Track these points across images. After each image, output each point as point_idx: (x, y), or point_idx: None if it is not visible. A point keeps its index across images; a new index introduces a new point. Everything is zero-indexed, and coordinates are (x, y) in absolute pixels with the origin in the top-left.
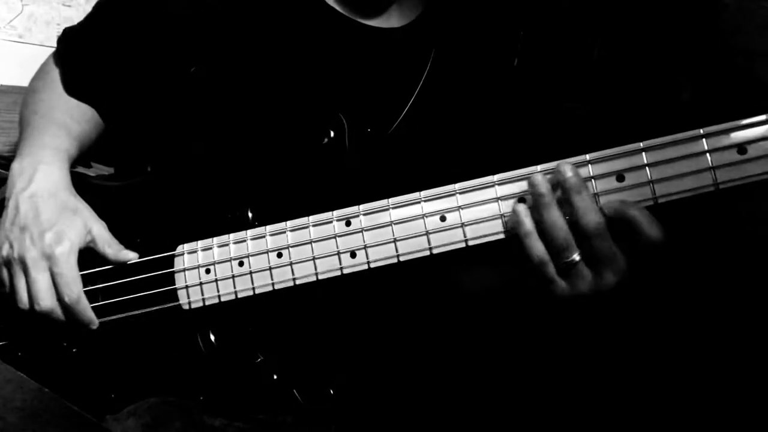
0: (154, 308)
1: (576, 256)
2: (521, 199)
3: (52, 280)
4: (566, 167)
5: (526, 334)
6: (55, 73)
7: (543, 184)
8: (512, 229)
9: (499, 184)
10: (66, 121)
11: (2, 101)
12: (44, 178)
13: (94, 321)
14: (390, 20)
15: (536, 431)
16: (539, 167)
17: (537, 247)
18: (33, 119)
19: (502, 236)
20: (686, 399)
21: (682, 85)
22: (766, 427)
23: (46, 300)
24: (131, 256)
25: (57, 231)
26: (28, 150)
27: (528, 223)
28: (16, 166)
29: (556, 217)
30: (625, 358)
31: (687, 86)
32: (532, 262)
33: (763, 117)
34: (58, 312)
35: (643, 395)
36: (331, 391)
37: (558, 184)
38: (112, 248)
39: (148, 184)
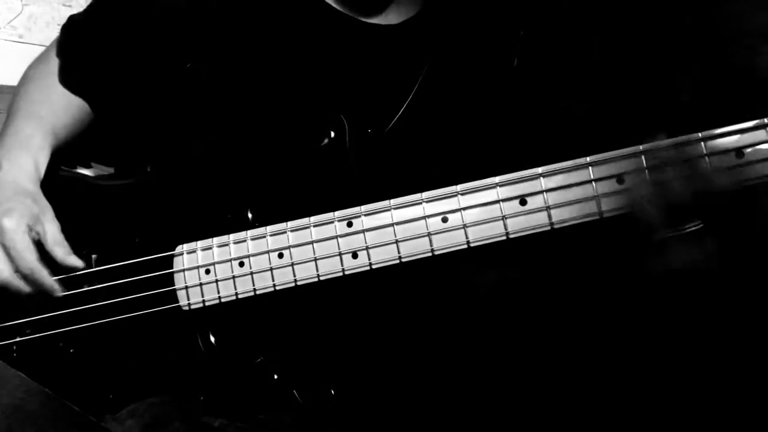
0: (154, 310)
1: (699, 224)
2: (522, 201)
3: (5, 253)
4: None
5: (528, 338)
6: (48, 65)
7: (670, 147)
8: (632, 192)
9: (500, 186)
10: (47, 116)
11: (2, 101)
12: (10, 169)
13: (55, 288)
14: (388, 17)
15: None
16: (540, 169)
17: (657, 214)
18: (15, 112)
19: (503, 238)
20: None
21: (682, 86)
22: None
23: (3, 271)
24: (78, 264)
25: (6, 207)
26: (3, 141)
27: (646, 188)
28: None
29: (685, 183)
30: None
31: (686, 86)
32: (651, 227)
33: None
34: (17, 283)
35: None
36: (332, 392)
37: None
38: (62, 249)
39: (147, 183)
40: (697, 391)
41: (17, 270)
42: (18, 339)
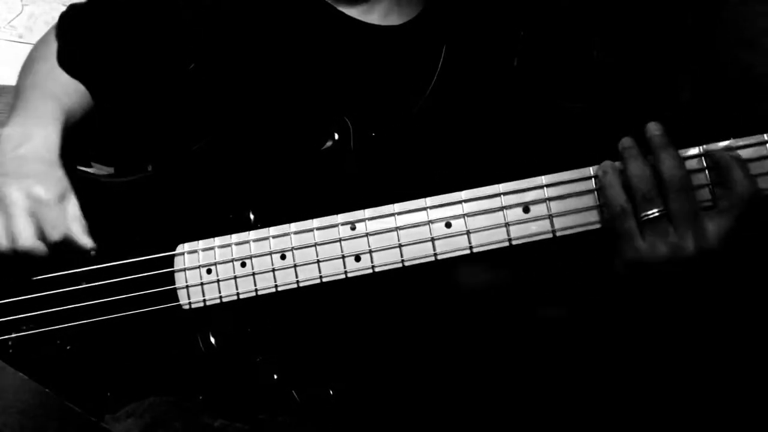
0: (154, 308)
1: (657, 211)
2: (525, 208)
3: (35, 219)
4: (653, 125)
5: (526, 341)
6: (53, 46)
7: (629, 140)
8: (598, 184)
9: (504, 194)
10: (58, 94)
11: (2, 101)
12: (38, 144)
13: (90, 244)
14: (390, 18)
15: None
16: (543, 178)
17: (619, 197)
18: (26, 89)
19: (506, 244)
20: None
21: (682, 85)
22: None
23: (27, 238)
24: (90, 244)
25: (40, 178)
26: (19, 119)
27: (612, 175)
28: (6, 131)
29: (642, 168)
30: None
31: (687, 86)
32: (614, 213)
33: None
34: (41, 249)
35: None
36: (331, 392)
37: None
38: (80, 226)
39: (148, 183)
40: (691, 389)
41: (47, 239)
42: (14, 335)
